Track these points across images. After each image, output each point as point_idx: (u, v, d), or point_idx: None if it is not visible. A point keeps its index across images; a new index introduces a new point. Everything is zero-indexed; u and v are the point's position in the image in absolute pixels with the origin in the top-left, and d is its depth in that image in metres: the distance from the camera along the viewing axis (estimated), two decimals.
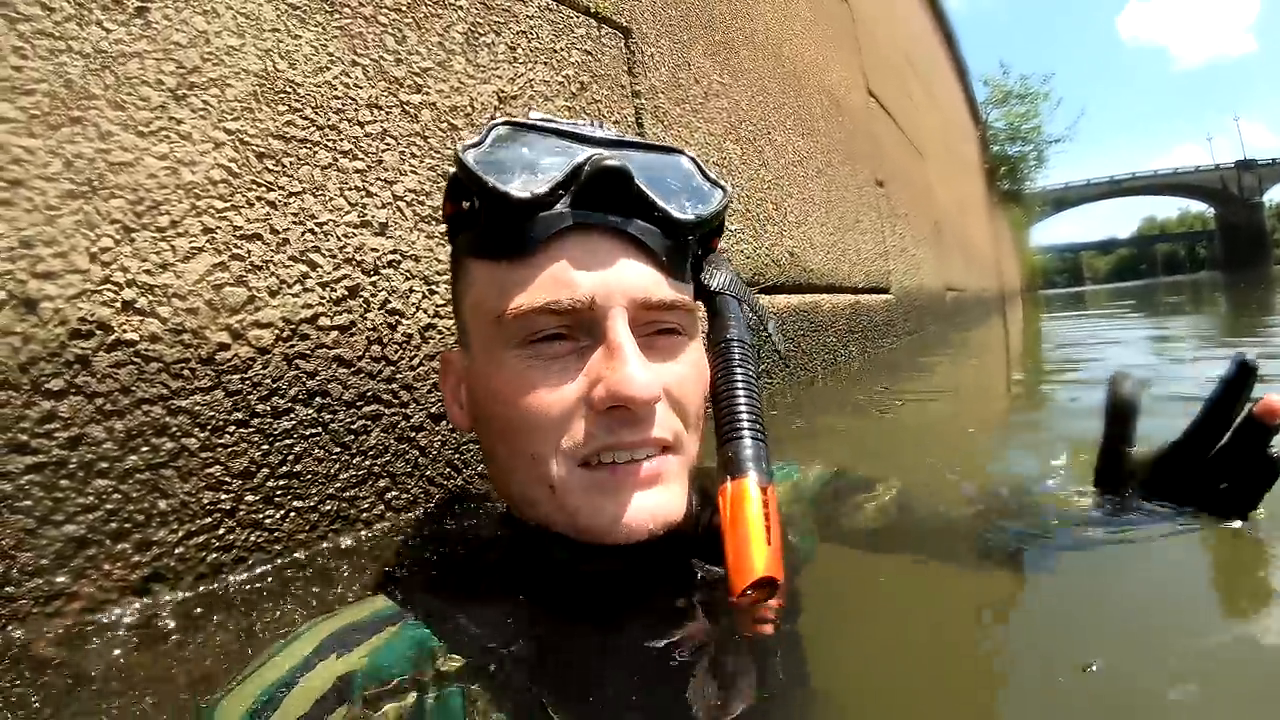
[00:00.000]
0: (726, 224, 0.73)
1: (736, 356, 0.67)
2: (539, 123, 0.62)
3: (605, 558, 0.58)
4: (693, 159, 0.66)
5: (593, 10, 1.54)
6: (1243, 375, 0.61)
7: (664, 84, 1.83)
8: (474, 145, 0.58)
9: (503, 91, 1.22)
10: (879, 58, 4.90)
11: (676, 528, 0.58)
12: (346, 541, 0.87)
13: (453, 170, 0.60)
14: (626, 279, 0.57)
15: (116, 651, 0.67)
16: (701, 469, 0.65)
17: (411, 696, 0.49)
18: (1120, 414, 0.68)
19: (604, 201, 0.57)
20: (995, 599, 0.70)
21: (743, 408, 0.64)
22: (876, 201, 3.98)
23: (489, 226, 0.58)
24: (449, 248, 1.04)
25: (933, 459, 1.30)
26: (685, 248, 0.63)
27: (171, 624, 0.71)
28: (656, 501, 0.57)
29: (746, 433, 0.62)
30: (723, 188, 0.65)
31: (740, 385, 0.65)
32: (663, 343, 0.60)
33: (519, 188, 0.55)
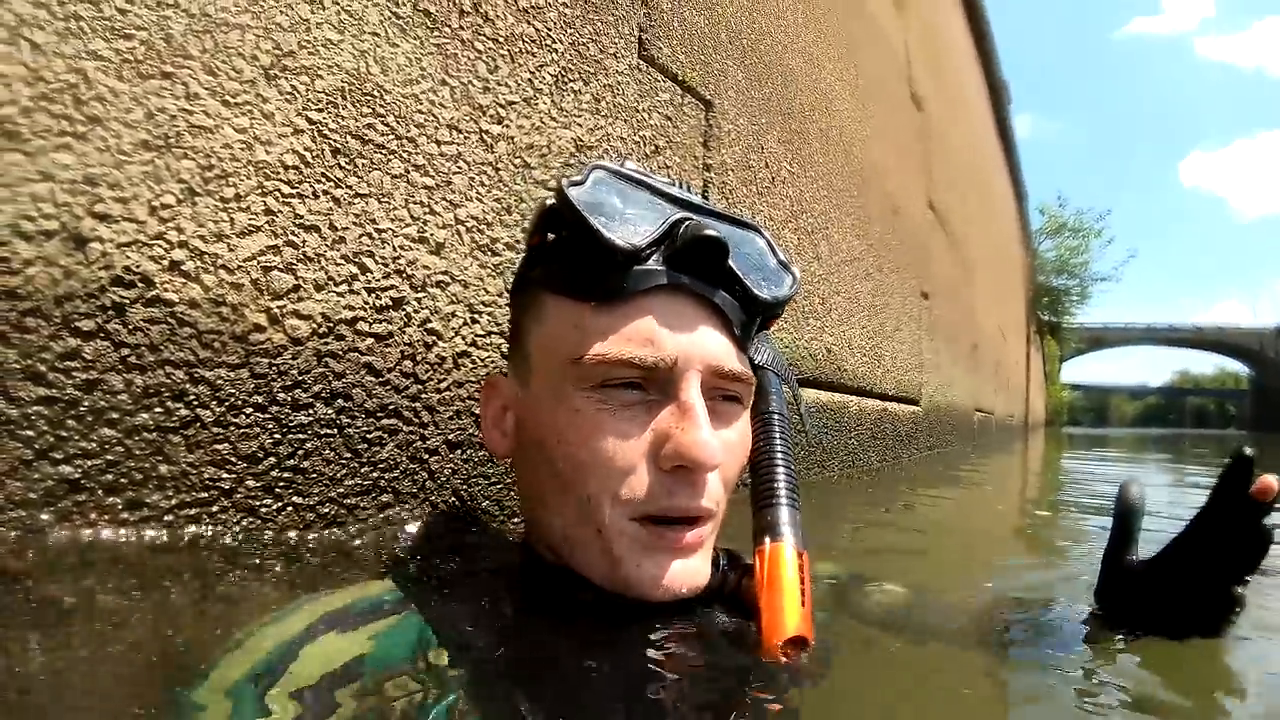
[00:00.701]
0: None
1: (778, 428, 0.70)
2: (633, 173, 0.62)
3: (627, 605, 0.58)
4: (767, 238, 0.68)
5: (680, 78, 1.57)
6: (1241, 466, 0.62)
7: (735, 162, 1.85)
8: (577, 184, 0.58)
9: (581, 140, 1.24)
10: (944, 171, 4.95)
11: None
12: (338, 535, 0.85)
13: (549, 202, 0.60)
14: (705, 345, 0.58)
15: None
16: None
17: (415, 685, 0.48)
18: (1125, 517, 0.69)
19: (696, 266, 0.58)
20: (1007, 687, 0.68)
21: (781, 477, 0.67)
22: (919, 313, 3.97)
23: (579, 267, 0.58)
24: (501, 280, 1.06)
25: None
26: (753, 324, 0.64)
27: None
28: (693, 568, 0.59)
29: (784, 500, 0.65)
30: (793, 272, 0.67)
31: (780, 455, 0.68)
32: (723, 409, 0.62)
33: (621, 237, 0.56)
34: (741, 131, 1.89)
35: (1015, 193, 12.16)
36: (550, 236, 0.62)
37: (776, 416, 0.71)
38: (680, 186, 0.65)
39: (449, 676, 0.49)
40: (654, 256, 0.58)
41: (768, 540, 0.63)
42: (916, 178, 4.08)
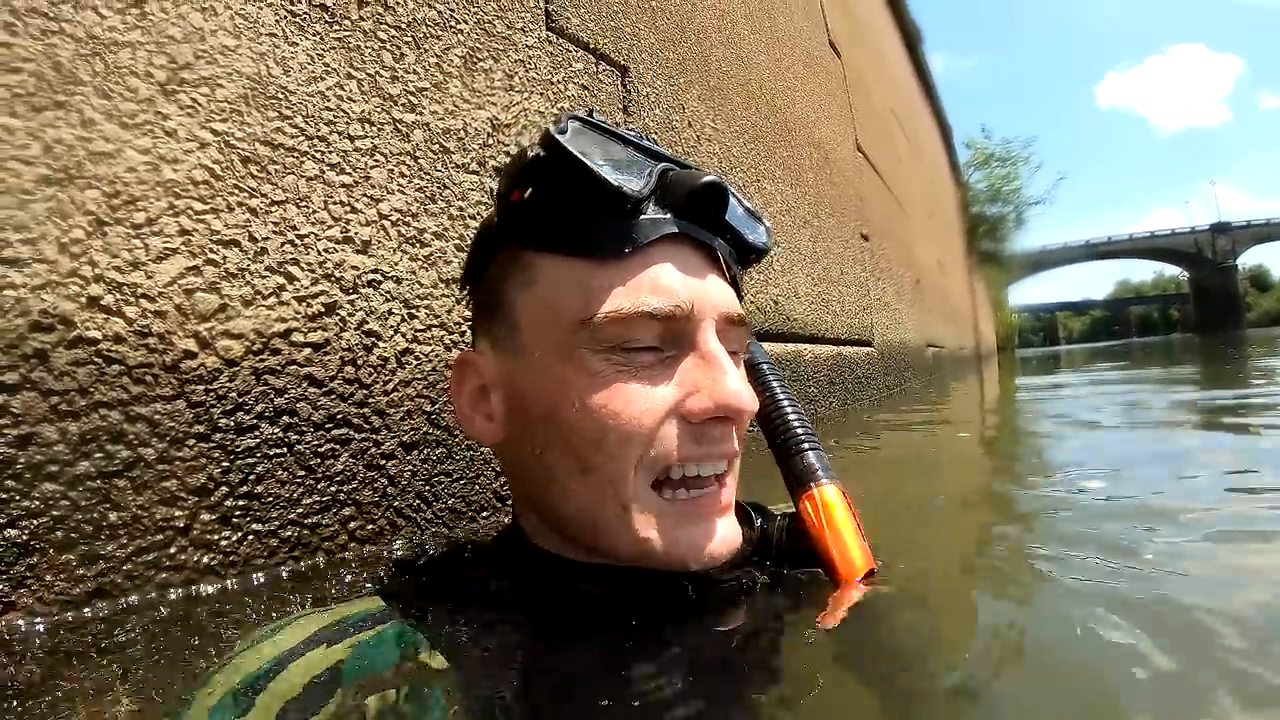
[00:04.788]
0: None
1: (772, 377, 0.71)
2: (604, 123, 0.58)
3: (662, 579, 0.57)
4: (730, 189, 0.63)
5: (592, 47, 1.54)
6: None
7: (658, 124, 1.83)
8: (560, 132, 0.53)
9: (497, 119, 1.21)
10: (868, 114, 4.99)
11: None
12: (303, 566, 0.82)
13: (531, 153, 0.54)
14: (715, 293, 0.56)
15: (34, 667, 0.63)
16: None
17: (396, 691, 0.46)
18: None
19: (698, 214, 0.57)
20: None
21: (796, 423, 0.68)
22: (861, 255, 4.01)
23: (573, 219, 0.54)
24: (434, 271, 1.03)
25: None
26: (741, 272, 0.63)
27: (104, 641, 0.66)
28: (727, 530, 0.57)
29: (807, 444, 0.67)
30: (764, 221, 0.65)
31: (787, 404, 0.70)
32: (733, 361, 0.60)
33: (623, 183, 0.52)
34: (660, 94, 1.87)
35: (940, 130, 12.34)
36: (529, 192, 0.56)
37: (765, 366, 0.71)
38: (646, 138, 0.61)
39: (433, 683, 0.48)
40: (650, 206, 0.55)
41: (812, 486, 0.65)
42: (842, 124, 4.10)
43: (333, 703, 0.45)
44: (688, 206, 0.56)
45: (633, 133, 0.59)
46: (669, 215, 0.55)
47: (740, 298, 0.62)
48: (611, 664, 0.51)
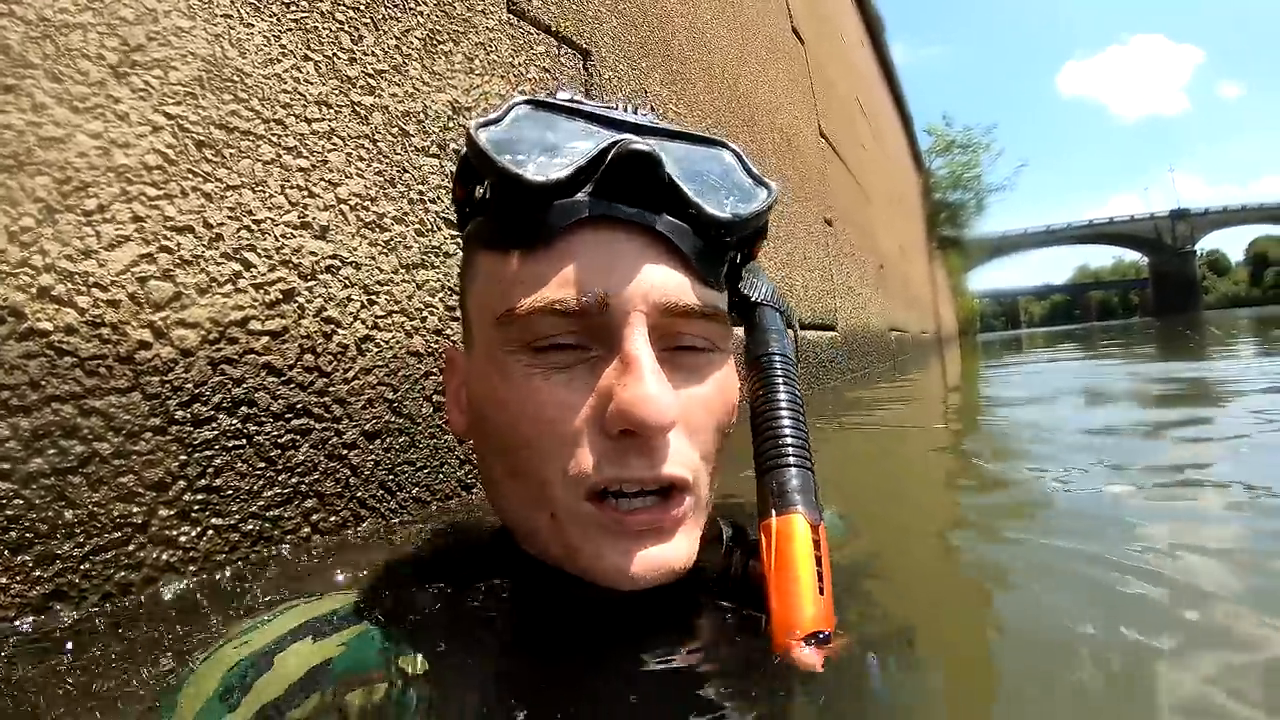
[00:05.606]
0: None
1: (780, 373, 0.58)
2: (566, 103, 0.54)
3: (605, 596, 0.50)
4: (736, 152, 0.59)
5: (554, 30, 1.53)
6: None
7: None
8: (490, 123, 0.51)
9: (457, 102, 1.19)
10: (831, 100, 5.01)
11: (703, 572, 0.52)
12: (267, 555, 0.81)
13: (464, 150, 0.52)
14: (648, 281, 0.48)
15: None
16: (725, 504, 0.59)
17: (379, 692, 0.45)
18: None
19: (629, 192, 0.49)
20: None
21: (788, 432, 0.55)
22: (825, 239, 4.04)
23: (499, 214, 0.51)
24: (395, 256, 1.02)
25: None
26: (721, 250, 0.54)
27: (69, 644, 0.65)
28: (668, 552, 0.49)
29: (792, 460, 0.53)
30: (768, 185, 0.57)
31: (785, 407, 0.56)
32: (688, 361, 0.52)
33: (534, 171, 0.48)
34: (623, 78, 1.86)
35: (901, 117, 12.44)
36: (478, 190, 0.54)
37: (779, 359, 0.59)
38: (633, 109, 0.57)
39: (417, 683, 0.47)
40: (586, 189, 0.49)
41: (774, 512, 0.52)
42: (805, 110, 4.12)
43: (316, 702, 0.44)
44: (615, 184, 0.49)
45: (608, 104, 0.56)
46: (586, 197, 0.49)
47: (716, 282, 0.54)
48: (592, 674, 0.50)
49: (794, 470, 0.53)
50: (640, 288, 0.48)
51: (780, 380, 0.58)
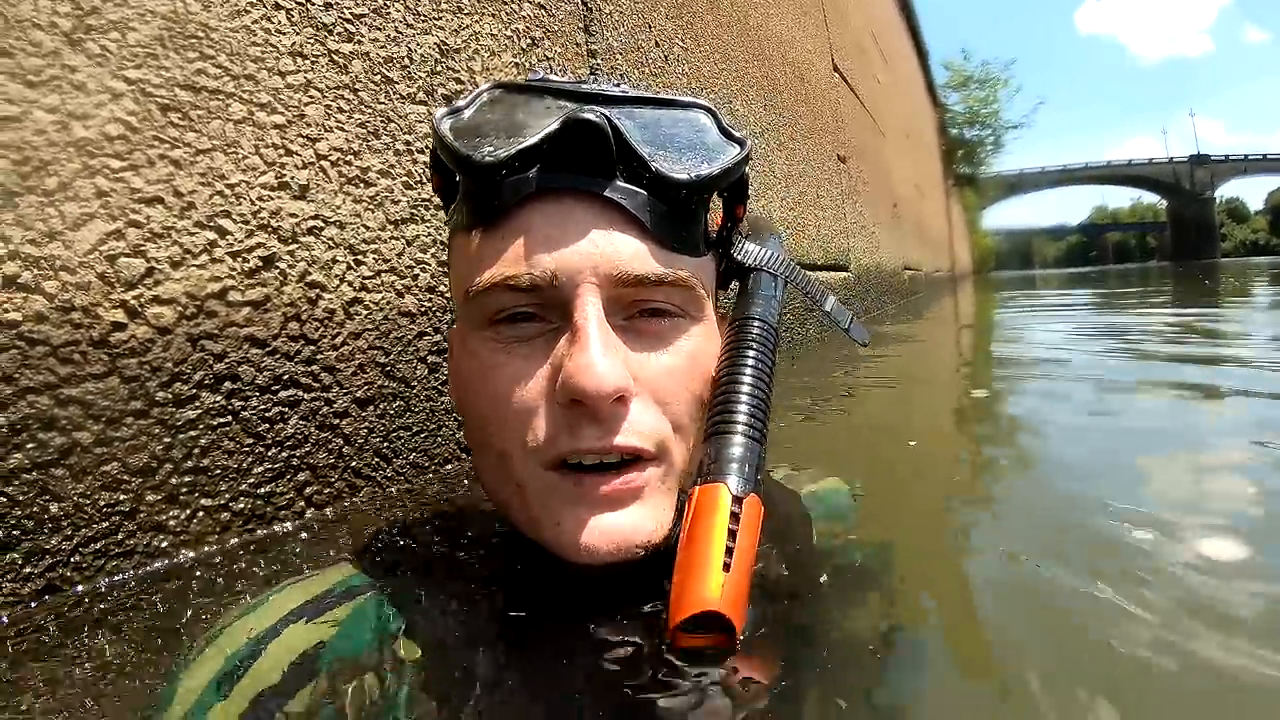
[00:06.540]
0: None
1: (752, 336, 0.55)
2: (535, 82, 0.54)
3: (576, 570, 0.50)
4: (712, 112, 0.57)
5: None
6: None
7: (622, 45, 1.73)
8: (455, 111, 0.53)
9: (446, 44, 1.12)
10: (845, 33, 4.84)
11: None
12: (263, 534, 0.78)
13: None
14: (599, 251, 0.48)
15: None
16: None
17: (371, 676, 0.45)
18: None
19: (580, 163, 0.49)
20: None
21: (742, 398, 0.51)
22: (838, 177, 3.93)
23: (464, 196, 0.53)
24: (381, 212, 0.97)
25: None
26: (686, 214, 0.53)
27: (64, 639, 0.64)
28: (625, 522, 0.48)
29: (739, 428, 0.50)
30: (739, 140, 0.55)
31: (747, 371, 0.53)
32: (651, 327, 0.51)
33: (487, 152, 0.49)
34: (625, 11, 1.77)
35: (917, 51, 12.08)
36: (455, 176, 0.55)
37: (756, 323, 0.56)
38: (614, 83, 0.57)
39: (410, 665, 0.47)
40: (538, 164, 0.49)
41: (698, 480, 0.48)
42: (818, 43, 3.97)
43: (309, 688, 0.44)
44: (561, 156, 0.49)
45: (593, 82, 0.58)
46: (535, 173, 0.49)
47: (681, 246, 0.52)
48: (572, 648, 0.49)
49: (738, 439, 0.49)
50: (589, 259, 0.48)
51: (750, 346, 0.54)
